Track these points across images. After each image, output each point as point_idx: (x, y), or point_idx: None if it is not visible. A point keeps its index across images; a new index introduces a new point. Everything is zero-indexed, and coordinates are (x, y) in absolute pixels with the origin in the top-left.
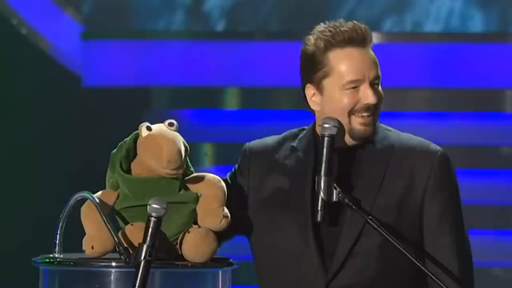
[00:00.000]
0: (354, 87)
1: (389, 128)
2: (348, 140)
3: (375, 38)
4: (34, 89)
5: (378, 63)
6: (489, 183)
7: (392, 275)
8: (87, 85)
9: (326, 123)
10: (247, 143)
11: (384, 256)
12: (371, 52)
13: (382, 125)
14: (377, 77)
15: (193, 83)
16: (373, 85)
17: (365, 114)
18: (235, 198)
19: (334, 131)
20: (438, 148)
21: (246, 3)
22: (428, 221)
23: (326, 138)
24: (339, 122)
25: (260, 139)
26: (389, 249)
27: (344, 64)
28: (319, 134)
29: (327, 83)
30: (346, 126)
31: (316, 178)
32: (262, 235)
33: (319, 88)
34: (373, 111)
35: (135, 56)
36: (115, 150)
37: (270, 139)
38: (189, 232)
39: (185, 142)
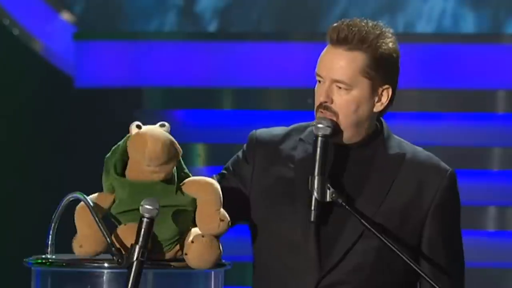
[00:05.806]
0: (319, 81)
1: (402, 140)
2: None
3: None
4: (26, 90)
5: (352, 68)
6: (480, 184)
7: (385, 277)
8: (79, 86)
9: (320, 123)
10: (254, 130)
11: (380, 258)
12: (349, 55)
13: (396, 136)
14: (337, 81)
15: (186, 84)
16: (336, 87)
17: (319, 109)
18: (237, 184)
19: (327, 131)
20: (448, 166)
21: (238, 4)
22: (431, 232)
23: (319, 138)
24: (332, 121)
25: (268, 128)
26: (386, 252)
27: (320, 57)
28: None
29: None
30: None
31: (310, 178)
32: (264, 222)
33: None
34: (333, 111)
35: (128, 57)
36: (109, 154)
37: (278, 129)
38: (193, 242)
39: (177, 144)
